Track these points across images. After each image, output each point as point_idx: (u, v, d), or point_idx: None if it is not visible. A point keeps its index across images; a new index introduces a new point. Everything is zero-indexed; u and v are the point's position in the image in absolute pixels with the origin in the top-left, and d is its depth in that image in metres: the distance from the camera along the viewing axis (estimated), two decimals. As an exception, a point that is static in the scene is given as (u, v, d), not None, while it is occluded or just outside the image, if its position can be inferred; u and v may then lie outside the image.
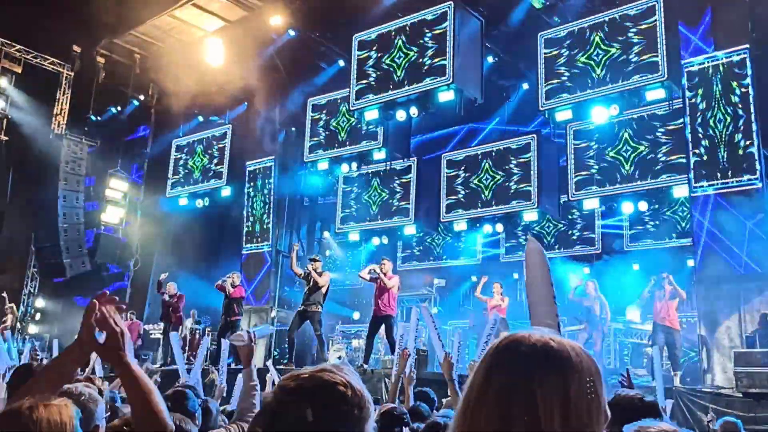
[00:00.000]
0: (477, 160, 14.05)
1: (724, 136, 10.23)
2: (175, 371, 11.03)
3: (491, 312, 12.17)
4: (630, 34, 11.13)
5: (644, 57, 10.89)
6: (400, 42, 12.82)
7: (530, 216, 13.27)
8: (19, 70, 19.84)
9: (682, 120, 11.00)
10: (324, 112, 15.36)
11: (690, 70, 10.67)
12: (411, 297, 16.18)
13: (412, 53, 12.57)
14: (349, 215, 15.52)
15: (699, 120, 10.49)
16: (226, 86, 16.46)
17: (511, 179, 13.45)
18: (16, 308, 17.88)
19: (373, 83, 12.96)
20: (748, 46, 10.29)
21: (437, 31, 12.34)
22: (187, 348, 14.51)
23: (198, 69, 16.04)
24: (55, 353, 9.23)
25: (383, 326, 11.17)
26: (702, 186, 10.33)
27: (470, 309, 15.42)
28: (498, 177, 13.62)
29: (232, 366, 11.99)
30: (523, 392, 1.13)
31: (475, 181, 13.90)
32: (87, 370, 7.22)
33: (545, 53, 11.99)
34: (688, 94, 10.68)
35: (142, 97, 19.28)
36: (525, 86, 14.78)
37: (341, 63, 15.43)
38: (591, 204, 12.80)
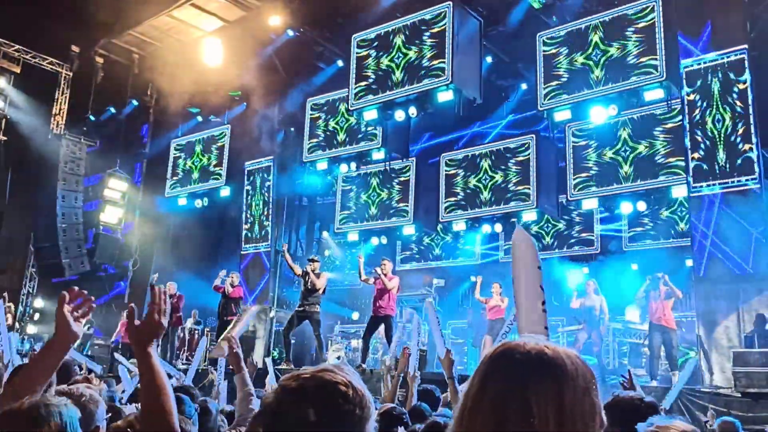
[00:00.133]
0: (476, 160, 14.06)
1: (722, 136, 10.24)
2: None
3: (490, 312, 12.19)
4: (628, 35, 11.14)
5: (643, 57, 10.90)
6: (399, 42, 12.83)
7: (529, 216, 13.28)
8: (17, 70, 19.84)
9: (680, 120, 11.01)
10: (323, 112, 15.36)
11: (688, 70, 10.68)
12: (410, 297, 16.19)
13: (411, 53, 12.57)
14: (348, 215, 15.53)
15: (697, 120, 10.50)
16: (224, 86, 16.47)
17: (509, 179, 13.45)
18: (15, 308, 17.86)
19: (372, 83, 12.96)
20: (746, 46, 10.29)
21: (436, 31, 12.34)
22: (185, 348, 14.52)
23: (197, 69, 16.04)
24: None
25: (382, 326, 11.18)
26: (701, 186, 10.33)
27: (469, 309, 15.44)
28: (497, 177, 13.63)
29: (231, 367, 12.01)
30: (519, 400, 1.13)
31: (474, 181, 13.91)
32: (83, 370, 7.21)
33: (544, 53, 12.00)
34: (686, 94, 10.69)
35: (140, 97, 19.28)
36: (524, 86, 14.80)
37: (340, 63, 15.43)
38: (590, 204, 12.81)
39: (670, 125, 11.82)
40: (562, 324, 13.74)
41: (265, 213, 16.35)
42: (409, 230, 14.68)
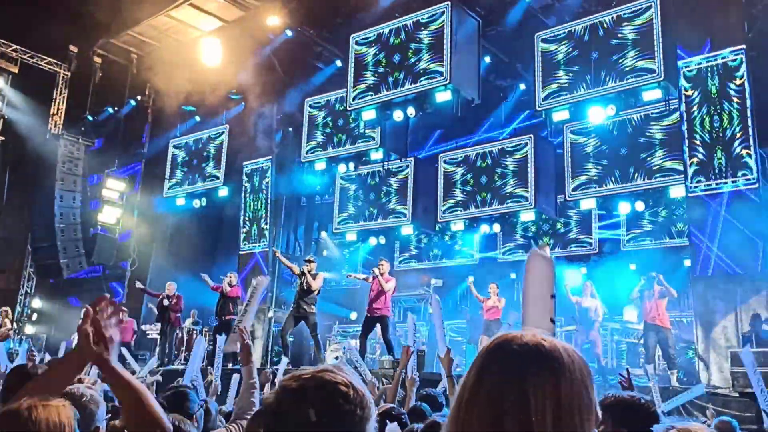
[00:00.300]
0: (474, 160, 14.06)
1: (720, 136, 10.25)
2: (175, 372, 11.05)
3: (487, 313, 12.20)
4: (626, 35, 11.14)
5: (641, 57, 10.91)
6: (397, 42, 12.83)
7: (527, 216, 13.28)
8: (15, 70, 19.83)
9: (678, 120, 11.02)
10: (321, 112, 15.36)
11: (686, 70, 10.69)
12: (408, 297, 16.20)
13: (409, 53, 12.58)
14: (347, 215, 15.52)
15: (695, 120, 10.51)
16: (223, 86, 16.46)
17: (508, 179, 13.46)
18: (12, 311, 17.83)
19: (370, 83, 12.97)
20: (744, 46, 10.31)
21: (434, 31, 12.34)
22: (184, 348, 14.50)
23: (195, 69, 16.03)
24: (60, 355, 9.24)
25: (378, 327, 11.17)
26: (698, 186, 10.35)
27: (467, 309, 15.44)
28: (495, 177, 13.63)
29: (230, 366, 12.00)
30: (515, 392, 1.13)
31: (472, 181, 13.91)
32: (84, 370, 7.20)
33: (542, 53, 12.01)
34: (684, 94, 10.70)
35: (139, 97, 19.28)
36: (522, 86, 14.81)
37: (338, 63, 15.43)
38: (588, 204, 12.82)
39: (667, 125, 11.84)
40: (560, 324, 13.76)
41: (264, 213, 16.35)
42: (407, 230, 14.68)
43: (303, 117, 15.59)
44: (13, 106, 19.81)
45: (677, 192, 11.39)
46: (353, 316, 16.50)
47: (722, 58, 10.39)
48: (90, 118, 19.87)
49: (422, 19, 12.57)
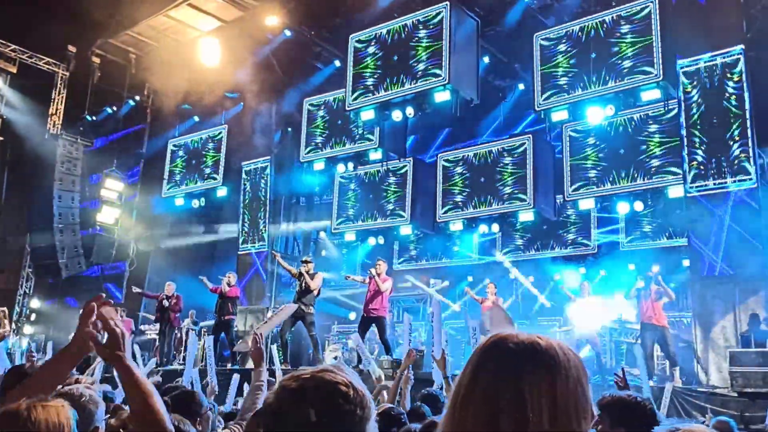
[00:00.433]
0: (473, 160, 14.07)
1: (718, 136, 10.27)
2: (174, 372, 11.05)
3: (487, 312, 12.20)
4: (625, 35, 11.15)
5: (640, 58, 10.91)
6: (396, 42, 12.83)
7: (526, 216, 13.28)
8: (14, 70, 19.81)
9: (677, 120, 11.03)
10: (320, 112, 15.36)
11: (685, 70, 10.70)
12: (407, 297, 16.20)
13: (408, 53, 12.58)
14: (345, 215, 15.52)
15: (694, 120, 10.53)
16: (221, 86, 16.46)
17: (506, 179, 13.46)
18: (10, 311, 17.81)
19: (369, 83, 12.97)
20: (742, 46, 10.32)
21: (433, 32, 12.34)
22: (183, 348, 14.48)
23: (194, 69, 16.03)
24: (50, 354, 9.21)
25: (375, 328, 11.16)
26: (697, 186, 10.36)
27: (466, 309, 15.44)
28: (494, 177, 13.63)
29: (229, 367, 12.01)
30: (511, 390, 1.13)
31: (471, 181, 13.91)
32: (87, 371, 7.20)
33: (541, 53, 12.01)
34: (683, 94, 10.72)
35: (137, 97, 19.27)
36: (521, 86, 14.81)
37: (337, 63, 15.43)
38: (587, 204, 12.82)
39: (666, 125, 11.84)
40: (558, 324, 13.77)
41: (262, 213, 16.34)
42: (406, 230, 14.68)
43: (302, 117, 15.59)
44: (11, 106, 19.79)
45: (676, 192, 11.39)
46: (352, 316, 16.49)
47: (721, 58, 10.41)
48: (89, 118, 19.85)
49: (421, 19, 12.58)
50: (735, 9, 10.60)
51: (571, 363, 1.17)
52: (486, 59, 13.88)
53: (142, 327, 16.36)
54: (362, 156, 14.54)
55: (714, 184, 10.20)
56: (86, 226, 19.38)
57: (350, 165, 14.72)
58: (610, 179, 12.29)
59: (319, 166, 15.17)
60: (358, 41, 13.36)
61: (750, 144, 10.03)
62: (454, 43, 12.04)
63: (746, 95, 10.15)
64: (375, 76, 12.91)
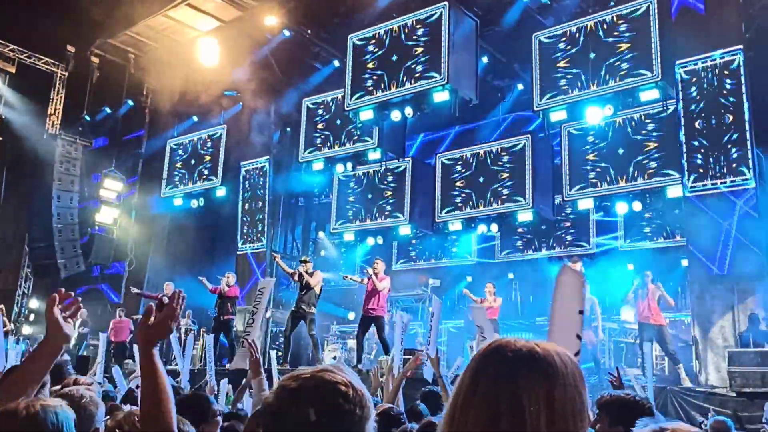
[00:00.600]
0: (471, 160, 14.07)
1: (717, 136, 10.27)
2: (172, 372, 11.04)
3: (486, 312, 12.19)
4: (624, 35, 11.16)
5: (638, 58, 10.92)
6: (394, 42, 12.83)
7: (525, 216, 13.29)
8: (13, 70, 19.80)
9: (675, 120, 11.04)
10: (319, 112, 15.36)
11: (684, 70, 10.71)
12: (406, 297, 16.20)
13: (406, 53, 12.58)
14: (344, 215, 15.52)
15: (693, 120, 10.53)
16: (220, 86, 16.45)
17: (505, 179, 13.47)
18: (9, 311, 17.80)
19: (368, 83, 12.97)
20: (741, 47, 10.33)
21: (432, 32, 12.35)
22: (182, 348, 14.46)
23: (192, 69, 16.02)
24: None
25: (374, 327, 11.16)
26: (696, 186, 10.37)
27: (465, 309, 15.44)
28: (492, 177, 13.64)
29: (228, 367, 12.01)
30: (509, 396, 1.15)
31: (470, 182, 13.91)
32: (89, 372, 7.21)
33: (540, 53, 12.02)
34: (681, 94, 10.72)
35: (136, 97, 19.24)
36: (520, 86, 14.82)
37: (336, 63, 15.44)
38: (585, 204, 12.83)
39: (665, 125, 11.84)
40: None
41: (261, 213, 16.34)
42: (405, 230, 14.68)
43: (301, 117, 15.58)
44: (10, 106, 19.78)
45: (674, 192, 11.40)
46: (351, 316, 16.49)
47: (720, 58, 10.41)
48: (87, 118, 19.84)
49: (420, 19, 12.58)
50: (734, 9, 10.61)
51: (569, 370, 1.19)
52: (485, 59, 13.89)
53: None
54: (361, 156, 14.54)
55: (712, 184, 10.21)
56: (85, 226, 19.37)
57: (349, 165, 14.72)
58: (609, 179, 12.30)
59: (318, 166, 15.18)
60: (357, 41, 13.37)
61: (748, 144, 10.04)
62: (452, 43, 12.05)
63: (745, 95, 10.16)
64: (374, 76, 12.91)
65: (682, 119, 10.66)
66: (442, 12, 12.26)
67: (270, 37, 15.52)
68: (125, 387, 6.37)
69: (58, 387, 3.37)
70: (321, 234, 18.09)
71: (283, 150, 17.03)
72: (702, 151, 10.38)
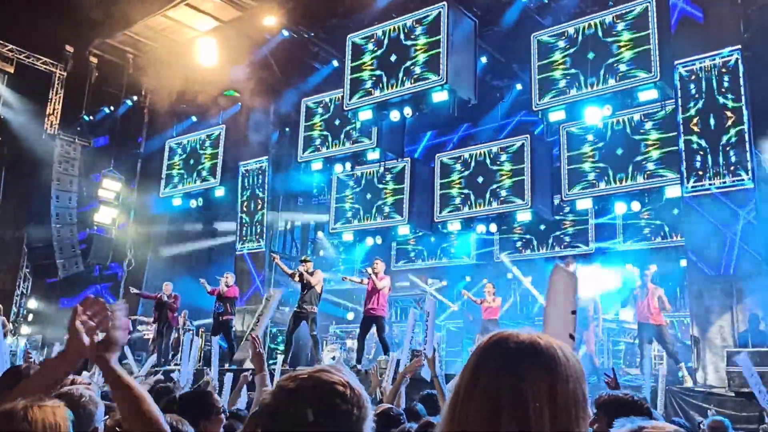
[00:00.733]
0: (470, 160, 14.07)
1: (716, 136, 10.28)
2: (172, 372, 11.03)
3: (485, 313, 12.21)
4: (623, 35, 11.17)
5: (637, 58, 10.93)
6: (393, 42, 12.83)
7: (524, 216, 13.29)
8: (11, 69, 19.77)
9: (674, 120, 11.05)
10: (318, 112, 15.36)
11: (682, 71, 10.72)
12: (405, 297, 16.20)
13: (405, 53, 12.58)
14: (343, 215, 15.52)
15: (691, 120, 10.54)
16: (219, 86, 16.44)
17: (504, 179, 13.47)
18: (7, 311, 17.78)
19: (366, 84, 12.97)
20: (740, 47, 10.34)
21: (431, 32, 12.35)
22: (180, 348, 14.47)
23: (191, 69, 16.01)
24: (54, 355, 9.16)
25: (374, 327, 11.16)
26: (694, 186, 10.37)
27: (463, 309, 15.45)
28: (491, 177, 13.64)
29: (227, 366, 12.00)
30: (512, 389, 1.14)
31: (469, 182, 13.92)
32: (90, 373, 7.20)
33: (538, 53, 12.02)
34: (680, 94, 10.73)
35: (135, 97, 19.24)
36: (519, 87, 14.82)
37: (335, 63, 15.43)
38: (584, 204, 12.84)
39: (664, 126, 11.85)
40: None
41: (260, 213, 16.32)
42: (404, 230, 14.68)
43: (300, 117, 15.59)
44: (8, 106, 19.75)
45: (673, 192, 11.41)
46: (350, 316, 16.50)
47: (719, 58, 10.42)
48: (86, 118, 19.81)
49: (419, 19, 12.58)
50: (732, 9, 10.62)
51: (571, 364, 1.19)
52: (484, 59, 13.88)
53: (139, 328, 16.34)
54: (360, 156, 14.54)
55: (710, 184, 10.21)
56: (84, 226, 19.35)
57: (348, 165, 14.72)
58: (608, 179, 12.31)
59: (317, 166, 15.18)
60: (356, 41, 13.36)
61: (747, 144, 10.05)
62: (451, 43, 12.05)
63: (743, 95, 10.16)
64: (373, 77, 12.91)
65: (681, 119, 10.66)
66: (441, 12, 12.26)
67: (269, 37, 15.51)
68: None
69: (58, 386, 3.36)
70: (320, 234, 18.09)
71: (282, 150, 17.03)
72: (700, 151, 10.39)
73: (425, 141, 16.88)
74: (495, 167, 13.65)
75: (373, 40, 13.14)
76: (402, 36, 12.75)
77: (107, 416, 2.93)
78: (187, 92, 16.51)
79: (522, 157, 13.30)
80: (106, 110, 19.87)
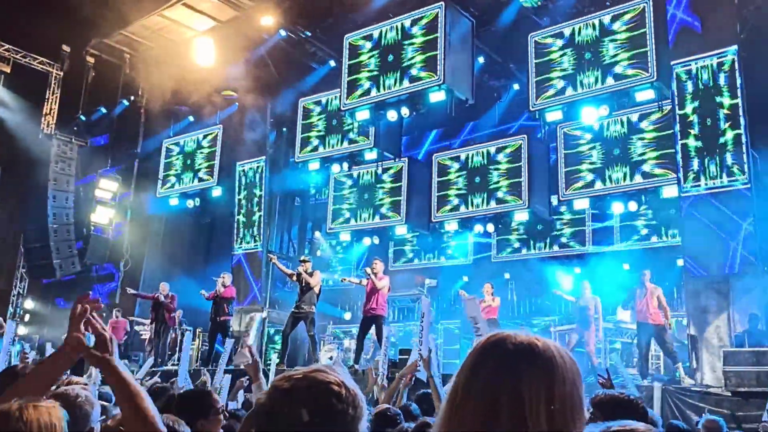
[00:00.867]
0: (467, 160, 14.08)
1: (712, 136, 10.30)
2: (169, 372, 11.02)
3: (484, 313, 12.20)
4: (620, 36, 11.18)
5: (634, 58, 10.94)
6: (391, 42, 12.83)
7: (521, 216, 13.32)
8: (8, 69, 19.73)
9: (671, 120, 11.06)
10: (315, 112, 15.35)
11: (679, 71, 10.73)
12: (402, 297, 16.21)
13: (403, 53, 12.58)
14: (341, 215, 15.52)
15: (688, 120, 10.55)
16: (216, 86, 16.42)
17: (501, 180, 13.49)
18: (4, 311, 17.74)
19: (364, 83, 12.96)
20: (736, 47, 10.35)
21: (428, 32, 12.35)
22: (178, 349, 14.47)
23: (188, 69, 15.99)
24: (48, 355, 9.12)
25: (374, 327, 11.17)
26: (691, 186, 10.39)
27: (461, 309, 15.45)
28: (488, 177, 13.65)
29: (224, 368, 11.96)
30: (509, 389, 1.15)
31: (466, 182, 13.92)
32: (86, 374, 7.18)
33: (535, 53, 12.03)
34: (677, 94, 10.75)
35: (132, 97, 19.20)
36: (516, 87, 14.83)
37: (332, 63, 15.43)
38: (581, 204, 12.86)
39: (660, 126, 11.87)
40: (554, 323, 13.80)
41: (257, 213, 16.32)
42: (401, 230, 14.69)
43: (297, 117, 15.58)
44: (5, 105, 19.71)
45: (670, 192, 11.44)
46: (347, 316, 16.50)
47: (716, 58, 10.43)
48: (83, 117, 19.78)
49: (416, 19, 12.58)
50: (729, 9, 10.63)
51: (568, 365, 1.20)
52: (481, 59, 13.89)
53: (136, 328, 16.32)
54: (357, 156, 14.54)
55: (706, 184, 10.23)
56: (80, 226, 19.31)
57: (345, 165, 14.73)
58: (605, 179, 12.33)
59: (314, 166, 15.18)
60: (353, 41, 13.36)
61: (744, 143, 10.06)
62: (449, 43, 12.04)
63: (740, 95, 10.18)
64: (370, 77, 12.90)
65: (677, 119, 10.68)
66: (438, 12, 12.26)
67: (266, 37, 15.50)
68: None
69: (54, 387, 3.35)
70: (317, 234, 18.09)
71: (279, 150, 17.02)
72: (697, 151, 10.40)
73: (428, 144, 16.88)
74: (492, 167, 13.66)
75: (370, 40, 13.14)
76: (399, 36, 12.74)
77: (103, 417, 2.93)
78: (183, 92, 16.48)
79: (519, 157, 13.31)
80: (103, 110, 19.83)
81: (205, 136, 17.17)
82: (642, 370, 10.51)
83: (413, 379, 5.29)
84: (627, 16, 11.21)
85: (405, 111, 12.44)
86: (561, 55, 11.74)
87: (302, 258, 12.33)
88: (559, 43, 11.83)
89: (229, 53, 15.69)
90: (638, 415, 2.60)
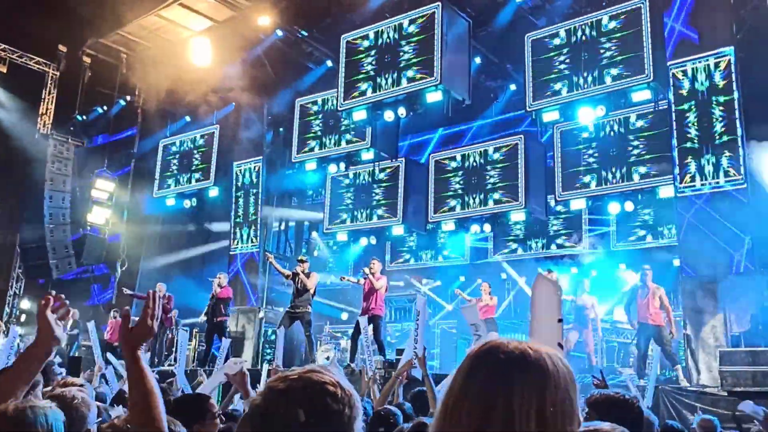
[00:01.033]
0: (464, 160, 14.09)
1: (709, 136, 10.32)
2: (166, 373, 11.01)
3: (481, 312, 12.21)
4: (616, 36, 11.20)
5: (630, 59, 10.96)
6: (387, 42, 12.83)
7: (517, 216, 13.32)
8: (4, 69, 19.71)
9: (667, 121, 11.08)
10: (312, 112, 15.35)
11: (676, 71, 10.75)
12: (399, 297, 16.21)
13: (399, 53, 12.58)
14: (337, 215, 15.51)
15: (684, 121, 10.57)
16: (213, 86, 16.41)
17: (498, 180, 13.49)
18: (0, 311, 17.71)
19: (360, 84, 12.96)
20: (733, 47, 10.38)
21: (425, 32, 12.35)
22: (175, 349, 14.45)
23: (185, 69, 15.97)
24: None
25: (371, 326, 11.16)
26: (688, 186, 10.41)
27: (457, 309, 15.46)
28: (485, 177, 13.66)
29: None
30: (501, 398, 1.16)
31: (463, 182, 13.93)
32: (85, 377, 7.17)
33: (532, 54, 12.04)
34: (673, 95, 10.76)
35: (128, 97, 19.19)
36: (512, 87, 14.84)
37: (329, 63, 15.42)
38: (578, 204, 12.87)
39: (657, 126, 11.89)
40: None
41: (254, 213, 16.30)
42: (398, 230, 14.69)
43: (294, 117, 15.57)
44: (1, 105, 19.68)
45: (666, 192, 11.46)
46: (344, 316, 16.49)
47: (712, 59, 10.45)
48: (79, 117, 19.76)
49: (413, 19, 12.58)
50: (725, 10, 10.65)
51: (560, 373, 1.20)
52: (477, 60, 13.90)
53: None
54: (354, 156, 14.54)
55: (702, 184, 10.25)
56: (77, 226, 19.28)
57: (342, 165, 14.72)
58: (601, 179, 12.35)
59: (311, 166, 15.16)
60: (350, 41, 13.35)
61: (740, 144, 10.08)
62: (445, 44, 12.04)
63: (736, 96, 10.20)
64: (367, 77, 12.90)
65: (674, 120, 10.69)
66: (435, 12, 12.26)
67: (263, 37, 15.49)
68: (117, 388, 6.34)
69: (50, 388, 3.36)
70: (314, 234, 18.08)
71: (275, 150, 17.00)
72: (694, 151, 10.42)
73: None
74: (489, 167, 13.67)
75: (367, 40, 13.14)
76: (396, 36, 12.74)
77: (100, 418, 2.92)
78: (180, 92, 16.46)
79: (516, 156, 13.32)
80: (100, 110, 19.81)
81: (201, 136, 17.15)
82: (639, 370, 10.52)
83: (408, 376, 5.30)
84: (623, 17, 11.22)
85: (402, 111, 12.44)
86: (558, 56, 11.76)
87: (300, 258, 12.31)
88: (556, 42, 11.84)
89: (226, 53, 15.68)
90: (634, 415, 2.60)
